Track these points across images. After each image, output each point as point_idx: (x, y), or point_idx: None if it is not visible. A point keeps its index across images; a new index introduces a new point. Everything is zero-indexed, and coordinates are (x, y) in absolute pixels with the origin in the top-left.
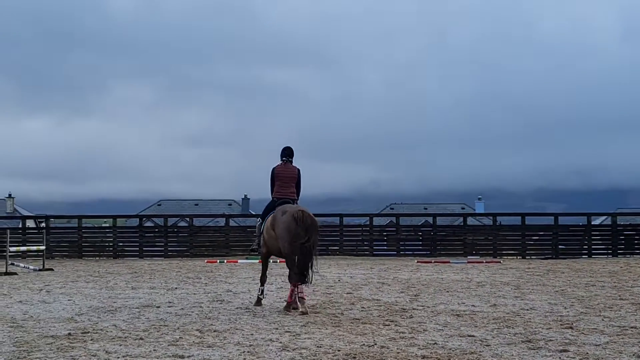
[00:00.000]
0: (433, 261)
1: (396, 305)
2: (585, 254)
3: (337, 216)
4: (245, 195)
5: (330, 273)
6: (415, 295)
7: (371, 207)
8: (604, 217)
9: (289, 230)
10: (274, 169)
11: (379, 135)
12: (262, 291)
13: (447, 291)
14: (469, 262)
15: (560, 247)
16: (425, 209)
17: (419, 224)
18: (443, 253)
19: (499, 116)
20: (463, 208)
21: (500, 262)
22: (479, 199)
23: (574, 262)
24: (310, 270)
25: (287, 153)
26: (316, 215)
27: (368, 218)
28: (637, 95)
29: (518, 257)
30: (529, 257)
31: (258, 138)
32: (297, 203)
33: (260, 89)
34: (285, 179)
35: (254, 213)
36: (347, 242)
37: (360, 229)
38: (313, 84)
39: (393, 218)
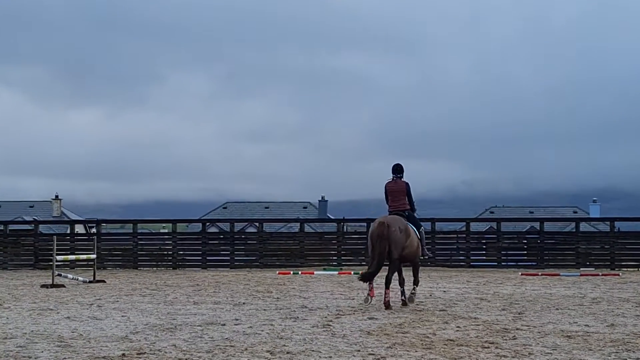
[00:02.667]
0: (540, 273)
1: (497, 324)
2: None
3: (429, 221)
4: (323, 197)
5: (421, 287)
6: (519, 313)
7: (466, 210)
8: None
9: (369, 239)
10: (385, 185)
11: (468, 129)
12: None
13: (557, 308)
14: (582, 275)
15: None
16: (531, 213)
17: (524, 230)
18: (552, 264)
19: (610, 104)
20: (575, 212)
21: (619, 275)
22: (594, 201)
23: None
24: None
25: (397, 170)
26: None
27: (464, 223)
28: None
29: None
30: None
31: (330, 132)
32: (409, 213)
33: (332, 77)
34: (396, 193)
35: (332, 217)
36: (439, 251)
37: (456, 236)
38: (392, 71)
39: (493, 223)
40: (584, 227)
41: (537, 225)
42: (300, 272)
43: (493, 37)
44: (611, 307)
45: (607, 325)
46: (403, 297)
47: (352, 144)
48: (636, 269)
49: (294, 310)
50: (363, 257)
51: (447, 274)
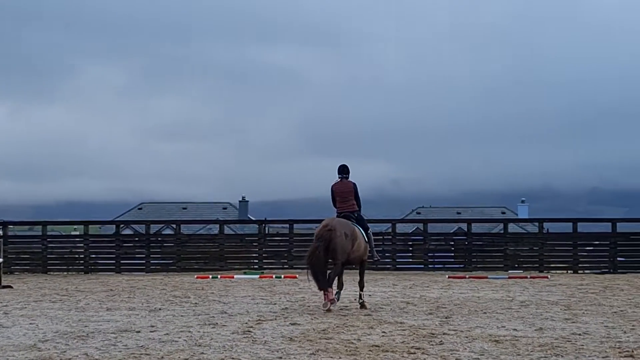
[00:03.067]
0: (467, 276)
1: (423, 329)
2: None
3: None
4: (243, 197)
5: (345, 291)
6: (446, 318)
7: (393, 211)
8: None
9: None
10: (332, 186)
11: (397, 127)
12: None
13: (484, 312)
14: (510, 278)
15: (619, 259)
16: (459, 213)
17: (451, 231)
18: (479, 267)
19: (542, 105)
20: (503, 213)
21: (547, 277)
22: (523, 201)
23: (635, 277)
24: (315, 279)
25: (343, 170)
26: None
27: (390, 225)
28: None
29: (569, 272)
30: (581, 272)
31: (252, 129)
32: (358, 214)
33: (255, 71)
34: (344, 194)
35: (253, 219)
36: None
37: (381, 237)
38: (318, 66)
39: (420, 224)
40: (512, 228)
41: (464, 226)
42: (219, 276)
43: (424, 31)
44: (540, 310)
45: (535, 330)
46: (335, 298)
47: (274, 142)
48: (565, 272)
49: (213, 316)
50: (285, 260)
51: (373, 277)
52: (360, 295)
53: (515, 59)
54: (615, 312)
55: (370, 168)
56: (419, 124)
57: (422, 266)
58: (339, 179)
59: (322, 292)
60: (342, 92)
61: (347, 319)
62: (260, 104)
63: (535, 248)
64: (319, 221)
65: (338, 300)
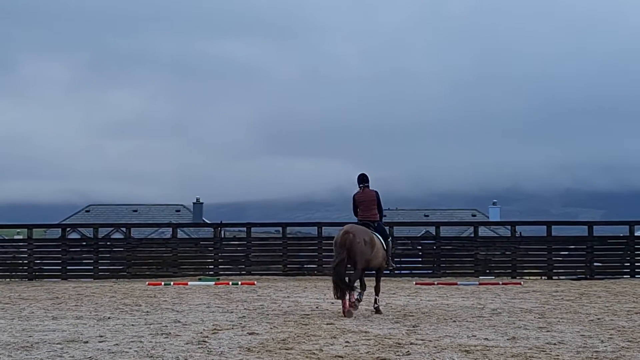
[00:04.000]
0: (436, 282)
1: (389, 338)
2: (627, 273)
3: (315, 225)
4: (198, 199)
5: (306, 298)
6: (413, 326)
7: None
8: None
9: (334, 247)
10: (354, 195)
11: (360, 125)
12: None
13: (454, 321)
14: (481, 284)
15: (596, 264)
16: (427, 216)
17: (418, 235)
18: (449, 272)
19: (513, 102)
20: (474, 215)
21: (520, 283)
22: (494, 203)
23: (613, 283)
24: (337, 288)
25: (363, 180)
26: (289, 224)
27: None
28: None
29: (543, 278)
30: (556, 278)
31: (206, 127)
32: (378, 224)
33: (210, 65)
34: (366, 203)
35: (208, 222)
36: (327, 259)
37: None
38: (277, 60)
39: (385, 228)
40: (483, 231)
41: (432, 229)
42: (172, 283)
43: (387, 25)
44: (512, 318)
45: (508, 339)
46: (355, 302)
47: (230, 141)
48: (539, 277)
49: (166, 325)
50: (243, 266)
51: None
52: (375, 300)
53: (485, 54)
54: (592, 321)
55: (330, 168)
56: (382, 120)
57: (388, 272)
58: (360, 188)
59: (341, 300)
60: (301, 88)
61: (309, 328)
62: (215, 99)
63: (507, 253)
64: (279, 224)
65: (361, 300)
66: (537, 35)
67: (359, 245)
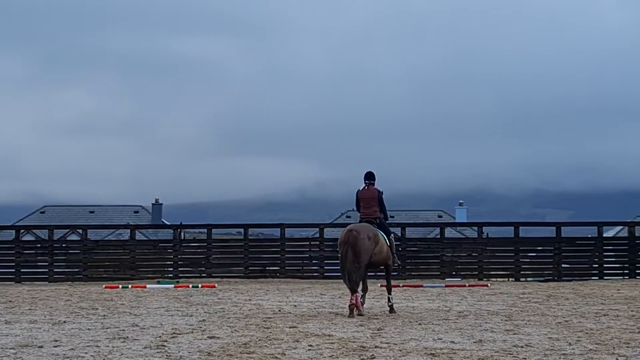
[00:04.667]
0: (401, 285)
1: (354, 342)
2: (595, 275)
3: (277, 227)
4: (157, 200)
5: (269, 301)
6: (378, 329)
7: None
8: (619, 228)
9: (339, 246)
10: (357, 192)
11: (322, 124)
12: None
13: (419, 323)
14: (447, 286)
15: (563, 266)
16: (392, 217)
17: None
18: (414, 274)
19: (480, 102)
20: (440, 216)
21: (487, 285)
22: (461, 204)
23: (581, 285)
24: (349, 282)
25: (369, 177)
26: (250, 225)
27: (318, 229)
28: None
29: (510, 280)
30: (524, 280)
31: (165, 125)
32: (380, 220)
33: (168, 63)
34: (367, 200)
35: (167, 223)
36: (290, 261)
37: (308, 243)
38: (238, 58)
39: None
40: (449, 232)
41: (398, 231)
42: (130, 286)
43: (351, 22)
44: (479, 321)
45: (474, 342)
46: (361, 304)
47: (190, 140)
48: (506, 279)
49: (124, 330)
50: (203, 268)
51: (299, 286)
52: (388, 298)
53: (451, 52)
54: (559, 323)
55: (293, 168)
56: (346, 120)
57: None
58: (365, 185)
59: (352, 295)
60: (263, 86)
61: (271, 332)
62: (174, 97)
63: (474, 254)
64: (240, 226)
65: (364, 302)
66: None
67: (362, 241)
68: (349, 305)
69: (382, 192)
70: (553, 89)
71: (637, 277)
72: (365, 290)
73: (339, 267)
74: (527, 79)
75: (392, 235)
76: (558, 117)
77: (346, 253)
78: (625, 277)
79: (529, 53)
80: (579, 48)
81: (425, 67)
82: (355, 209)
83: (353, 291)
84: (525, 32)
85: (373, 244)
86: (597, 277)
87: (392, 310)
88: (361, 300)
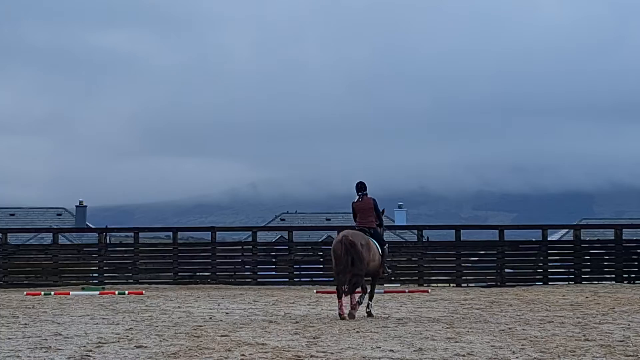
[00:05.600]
0: None
1: (288, 351)
2: (539, 280)
3: (208, 230)
4: (81, 202)
5: (199, 308)
6: (314, 338)
7: (253, 217)
8: (565, 231)
9: (332, 253)
10: (352, 204)
11: (253, 121)
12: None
13: (357, 331)
14: (386, 292)
15: (507, 270)
16: (328, 220)
17: (320, 240)
18: None
19: (416, 100)
20: None
21: (428, 291)
22: (400, 206)
23: (525, 290)
24: (345, 285)
25: (361, 188)
26: (180, 228)
27: (250, 233)
28: (595, 70)
29: (451, 285)
30: (465, 285)
31: (87, 123)
32: (374, 230)
33: (88, 57)
34: (364, 210)
35: (92, 226)
36: (222, 266)
37: (240, 247)
38: (162, 52)
39: (284, 232)
40: (388, 236)
41: (334, 234)
42: (53, 293)
43: (280, 14)
44: (419, 328)
45: (414, 350)
46: (357, 304)
47: (114, 138)
48: (447, 285)
49: (46, 339)
50: (130, 274)
51: (231, 292)
52: (368, 304)
53: (385, 48)
54: (502, 330)
55: (223, 168)
56: (276, 117)
57: (287, 280)
58: (359, 197)
59: (344, 297)
60: (188, 81)
61: (201, 341)
62: (96, 94)
63: (414, 259)
64: (169, 229)
65: (361, 303)
66: (441, 31)
67: (357, 247)
68: (346, 312)
69: (376, 200)
70: (491, 87)
71: (583, 282)
72: (364, 290)
73: (332, 272)
74: (465, 76)
75: (386, 245)
76: (498, 115)
77: (345, 258)
78: (570, 283)
79: (465, 50)
80: (515, 46)
81: (356, 63)
82: (353, 219)
83: (348, 293)
84: (461, 30)
85: (367, 251)
86: (541, 283)
87: (370, 315)
88: (359, 300)
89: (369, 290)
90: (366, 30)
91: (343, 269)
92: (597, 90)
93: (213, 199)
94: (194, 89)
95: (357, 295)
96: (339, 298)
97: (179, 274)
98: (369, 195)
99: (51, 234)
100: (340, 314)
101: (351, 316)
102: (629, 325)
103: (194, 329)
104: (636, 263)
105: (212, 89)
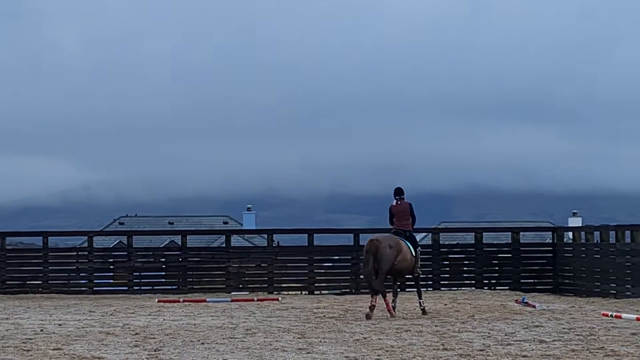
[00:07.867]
0: (182, 300)
1: None
2: (398, 286)
3: (39, 235)
4: None
5: (29, 320)
6: (155, 350)
7: (89, 221)
8: (422, 235)
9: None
10: (390, 207)
11: (85, 119)
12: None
13: (202, 343)
14: (233, 301)
15: (361, 277)
16: (171, 224)
17: (162, 245)
18: (196, 288)
19: (263, 97)
20: (226, 223)
21: (278, 299)
22: (248, 209)
23: (381, 298)
24: (370, 285)
25: (399, 192)
26: (8, 233)
27: (86, 238)
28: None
29: (304, 293)
30: (318, 292)
31: None
32: (409, 233)
33: None
34: (401, 213)
35: None
36: (54, 274)
37: (75, 253)
38: None
39: (123, 238)
40: (236, 241)
41: (178, 239)
42: None
43: (114, 6)
44: (269, 339)
45: None
46: (392, 308)
47: None
48: (299, 292)
49: None
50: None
51: (65, 302)
52: (420, 302)
53: (232, 40)
54: (357, 340)
55: (53, 169)
56: (108, 116)
57: (126, 288)
58: (397, 200)
59: (373, 297)
60: (15, 77)
61: (32, 355)
62: None
63: (263, 265)
64: (38, 233)
65: (395, 307)
66: (294, 23)
67: (383, 249)
68: (369, 306)
69: (412, 204)
70: (346, 85)
71: (442, 288)
72: (395, 295)
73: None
74: (318, 73)
75: (418, 248)
76: (351, 114)
77: (367, 260)
78: (428, 289)
79: (320, 45)
80: (376, 43)
81: (204, 59)
82: (389, 222)
83: (375, 293)
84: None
85: (394, 252)
86: (398, 289)
87: (424, 312)
88: (393, 305)
89: (416, 291)
90: (222, 17)
91: (367, 269)
92: (453, 91)
93: (43, 201)
94: (22, 86)
95: (390, 299)
96: (373, 296)
97: (7, 282)
98: (405, 200)
99: None
100: (370, 310)
101: (372, 313)
102: (489, 333)
103: (24, 342)
104: (497, 268)
105: (41, 85)
